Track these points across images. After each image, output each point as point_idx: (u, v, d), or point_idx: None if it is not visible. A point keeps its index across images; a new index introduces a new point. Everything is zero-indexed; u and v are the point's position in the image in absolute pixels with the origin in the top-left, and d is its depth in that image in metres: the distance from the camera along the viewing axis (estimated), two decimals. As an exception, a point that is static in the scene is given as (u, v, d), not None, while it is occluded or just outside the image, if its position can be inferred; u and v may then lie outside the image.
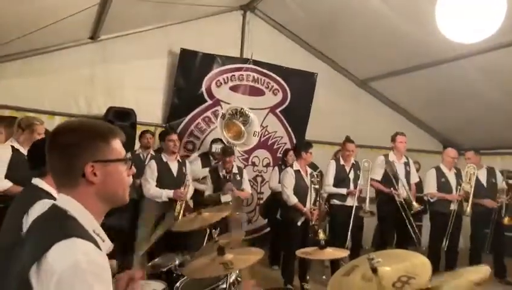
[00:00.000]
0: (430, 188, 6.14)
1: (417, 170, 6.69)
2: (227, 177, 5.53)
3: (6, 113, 5.87)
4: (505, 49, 5.79)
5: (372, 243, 7.67)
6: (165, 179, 5.20)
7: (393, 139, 6.23)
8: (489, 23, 3.86)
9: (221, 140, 6.36)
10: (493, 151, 7.69)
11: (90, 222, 1.32)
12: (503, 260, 6.18)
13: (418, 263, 1.72)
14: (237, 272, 2.70)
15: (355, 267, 1.83)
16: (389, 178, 6.01)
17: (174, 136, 5.35)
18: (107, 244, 1.37)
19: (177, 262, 2.95)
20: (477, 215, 6.06)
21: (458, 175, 6.18)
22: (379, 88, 8.48)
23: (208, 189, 5.60)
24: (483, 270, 1.26)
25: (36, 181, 2.34)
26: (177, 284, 2.81)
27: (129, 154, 5.72)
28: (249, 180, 6.26)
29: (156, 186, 5.18)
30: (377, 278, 1.64)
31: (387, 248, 6.05)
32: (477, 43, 4.96)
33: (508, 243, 6.50)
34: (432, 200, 6.20)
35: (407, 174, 6.12)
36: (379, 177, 6.08)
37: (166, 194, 5.11)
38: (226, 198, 5.42)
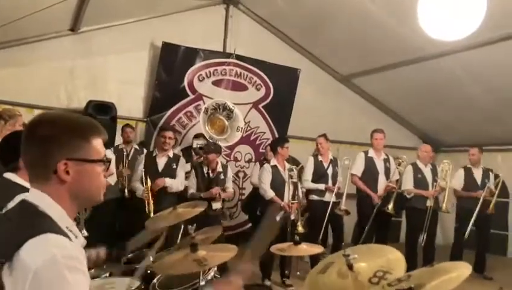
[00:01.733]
0: (407, 184, 6.21)
1: (399, 165, 6.71)
2: (211, 176, 5.47)
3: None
4: (486, 47, 5.88)
5: (352, 239, 7.72)
6: (149, 173, 5.16)
7: (371, 136, 6.30)
8: (470, 21, 3.92)
9: (203, 135, 6.31)
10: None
11: (62, 218, 1.28)
12: (485, 256, 6.31)
13: (393, 258, 1.73)
14: (215, 269, 2.68)
15: (331, 264, 1.83)
16: (369, 175, 6.10)
17: (167, 133, 5.43)
18: (80, 241, 1.34)
19: (151, 258, 2.91)
20: (462, 211, 6.18)
21: (434, 171, 6.27)
22: (361, 84, 8.53)
23: (191, 186, 5.49)
24: (463, 266, 1.26)
25: (9, 175, 2.24)
26: (154, 280, 2.78)
27: (109, 151, 5.63)
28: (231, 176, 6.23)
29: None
30: (353, 274, 1.65)
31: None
32: (460, 40, 5.04)
33: (492, 239, 6.69)
34: (408, 197, 6.26)
35: (387, 171, 6.18)
36: (359, 174, 6.14)
37: (140, 191, 5.16)
38: (216, 205, 5.34)
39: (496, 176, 6.34)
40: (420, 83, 7.36)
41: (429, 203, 6.04)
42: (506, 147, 7.46)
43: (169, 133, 5.45)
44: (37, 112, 5.90)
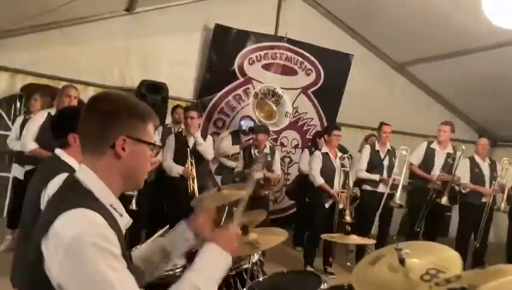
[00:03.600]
0: (464, 178, 5.96)
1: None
2: (259, 157, 5.48)
3: (43, 81, 5.98)
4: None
5: (399, 231, 7.56)
6: (180, 153, 5.17)
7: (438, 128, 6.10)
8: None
9: (250, 117, 6.32)
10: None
11: (108, 196, 1.30)
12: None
13: (447, 257, 1.66)
14: (260, 252, 2.68)
15: (381, 256, 1.77)
16: (424, 167, 5.93)
17: (192, 113, 5.23)
18: (125, 219, 1.37)
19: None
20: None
21: (492, 166, 6.00)
22: (416, 73, 8.21)
23: (238, 166, 5.61)
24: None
25: (58, 152, 2.29)
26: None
27: (160, 130, 5.72)
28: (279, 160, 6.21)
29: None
30: (404, 269, 1.59)
31: (415, 237, 6.00)
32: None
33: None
34: (464, 191, 6.03)
35: (447, 166, 5.91)
36: (416, 163, 5.96)
37: (176, 169, 5.12)
38: (258, 175, 5.29)
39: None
40: (478, 74, 6.99)
41: (485, 199, 5.80)
42: None
43: (193, 113, 5.23)
44: (91, 89, 6.14)
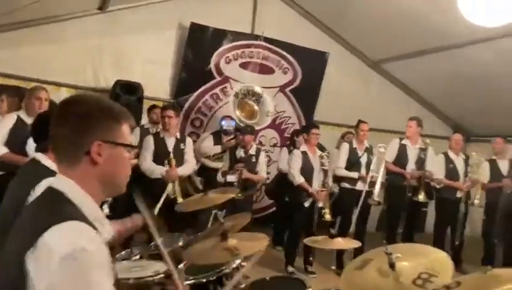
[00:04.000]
0: (439, 174, 6.05)
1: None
2: (242, 157, 5.43)
3: (12, 83, 5.77)
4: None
5: (377, 228, 7.62)
6: (160, 154, 5.02)
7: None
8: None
9: (231, 117, 6.26)
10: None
11: (90, 206, 1.23)
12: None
13: (437, 259, 1.64)
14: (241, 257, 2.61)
15: (369, 260, 1.74)
16: (398, 163, 5.98)
17: (169, 112, 5.09)
18: (107, 230, 1.29)
19: (180, 243, 2.87)
20: (490, 204, 6.01)
21: (466, 161, 6.10)
22: (391, 70, 8.29)
23: (224, 167, 5.51)
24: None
25: (39, 156, 2.23)
26: (181, 265, 2.74)
27: (137, 131, 5.59)
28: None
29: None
30: (395, 273, 1.55)
31: (394, 234, 6.06)
32: (495, 27, 4.81)
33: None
34: (439, 187, 6.12)
35: (419, 161, 5.98)
36: (391, 160, 6.01)
37: (159, 171, 4.93)
38: (230, 178, 5.28)
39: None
40: (452, 71, 7.09)
41: (460, 194, 5.90)
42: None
43: (170, 112, 5.08)
44: (64, 90, 5.96)
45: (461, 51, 6.49)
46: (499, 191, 5.92)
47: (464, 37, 6.12)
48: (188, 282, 2.44)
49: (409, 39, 6.86)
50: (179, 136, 5.22)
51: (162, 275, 2.53)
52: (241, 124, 5.87)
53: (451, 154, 6.14)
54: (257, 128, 6.51)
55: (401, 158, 6.02)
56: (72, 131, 1.23)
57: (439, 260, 1.62)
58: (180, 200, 4.67)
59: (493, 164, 6.14)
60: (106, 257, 1.13)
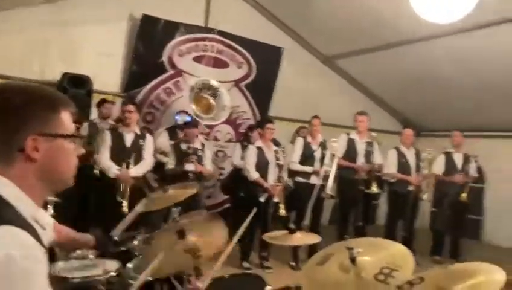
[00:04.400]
0: (391, 168, 6.20)
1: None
2: (190, 151, 5.34)
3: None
4: (469, 33, 5.85)
5: (330, 221, 7.73)
6: (117, 150, 4.91)
7: (354, 119, 6.24)
8: (464, 4, 3.82)
9: (186, 111, 6.13)
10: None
11: (29, 208, 1.10)
12: (459, 241, 6.40)
13: (397, 253, 1.63)
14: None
15: (330, 255, 1.72)
16: (348, 157, 6.09)
17: (130, 107, 5.04)
18: (48, 233, 1.18)
19: (136, 242, 2.75)
20: (440, 196, 6.26)
21: (417, 156, 6.28)
22: (344, 66, 8.42)
23: (170, 163, 5.40)
24: (489, 269, 1.15)
25: None
26: (129, 265, 2.62)
27: (85, 126, 5.40)
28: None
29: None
30: (356, 269, 1.53)
31: (347, 227, 6.16)
32: (444, 25, 4.97)
33: (467, 225, 6.78)
34: (391, 181, 6.28)
35: (368, 154, 6.12)
36: (341, 154, 6.09)
37: (113, 171, 4.82)
38: (189, 167, 5.25)
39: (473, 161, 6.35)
40: (402, 67, 7.30)
41: (411, 187, 6.07)
42: (485, 134, 7.51)
43: (130, 107, 5.05)
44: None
45: (412, 48, 6.69)
46: (450, 184, 6.18)
47: (415, 34, 6.30)
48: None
49: (363, 35, 6.98)
50: (138, 132, 5.10)
51: (112, 274, 2.43)
52: (198, 119, 5.76)
53: (403, 149, 6.31)
54: (214, 123, 6.43)
55: (350, 152, 6.12)
56: (1, 128, 1.08)
57: (399, 253, 1.61)
58: (125, 204, 4.58)
59: (449, 157, 6.37)
60: (38, 264, 1.01)
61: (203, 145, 5.63)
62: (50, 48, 6.12)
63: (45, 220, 1.18)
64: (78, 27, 6.22)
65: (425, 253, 6.16)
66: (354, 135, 6.22)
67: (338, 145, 6.04)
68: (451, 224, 6.26)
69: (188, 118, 6.06)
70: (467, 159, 6.31)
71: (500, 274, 1.09)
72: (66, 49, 6.21)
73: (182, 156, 5.35)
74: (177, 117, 6.09)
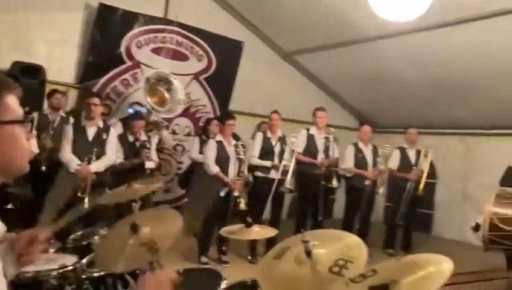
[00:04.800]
0: (348, 163, 6.34)
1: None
2: (138, 144, 5.34)
3: None
4: (424, 32, 6.01)
5: (288, 215, 7.80)
6: (79, 144, 4.82)
7: (314, 114, 6.31)
8: (419, 4, 3.92)
9: (139, 103, 6.02)
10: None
11: None
12: (411, 234, 6.65)
13: (352, 244, 1.65)
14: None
15: (287, 249, 1.72)
16: (309, 152, 6.17)
17: (95, 100, 5.00)
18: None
19: (96, 237, 2.70)
20: (394, 190, 6.47)
21: (375, 152, 6.46)
22: (303, 62, 8.50)
23: (118, 156, 5.28)
24: (438, 260, 1.18)
25: None
26: (83, 260, 2.55)
27: (35, 114, 5.22)
28: (169, 149, 6.21)
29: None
30: (311, 262, 1.55)
31: (305, 220, 6.24)
32: (400, 24, 5.10)
33: (419, 219, 7.01)
34: (348, 175, 6.42)
35: (326, 149, 6.22)
36: (301, 150, 6.16)
37: (73, 166, 4.73)
38: (149, 165, 5.26)
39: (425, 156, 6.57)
40: (359, 64, 7.44)
41: (368, 182, 6.26)
42: (437, 131, 7.78)
43: (95, 100, 5.01)
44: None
45: (369, 46, 6.83)
46: (404, 180, 6.39)
47: (373, 31, 6.43)
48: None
49: (321, 32, 7.07)
50: (101, 125, 5.01)
51: (67, 269, 2.36)
52: (153, 111, 5.67)
53: (361, 145, 6.48)
54: (169, 116, 6.34)
55: (310, 148, 6.21)
56: None
57: (353, 245, 1.63)
58: (86, 200, 4.47)
59: (403, 152, 6.57)
60: None
61: (148, 136, 5.59)
62: (1, 35, 5.83)
63: None
64: (31, 14, 5.96)
65: (378, 246, 6.33)
66: (313, 131, 6.29)
67: (298, 141, 6.11)
68: (404, 218, 6.47)
69: (141, 110, 5.97)
70: (419, 155, 6.52)
71: (448, 264, 1.13)
72: (17, 37, 5.93)
73: (130, 150, 5.31)
74: (129, 110, 5.98)
